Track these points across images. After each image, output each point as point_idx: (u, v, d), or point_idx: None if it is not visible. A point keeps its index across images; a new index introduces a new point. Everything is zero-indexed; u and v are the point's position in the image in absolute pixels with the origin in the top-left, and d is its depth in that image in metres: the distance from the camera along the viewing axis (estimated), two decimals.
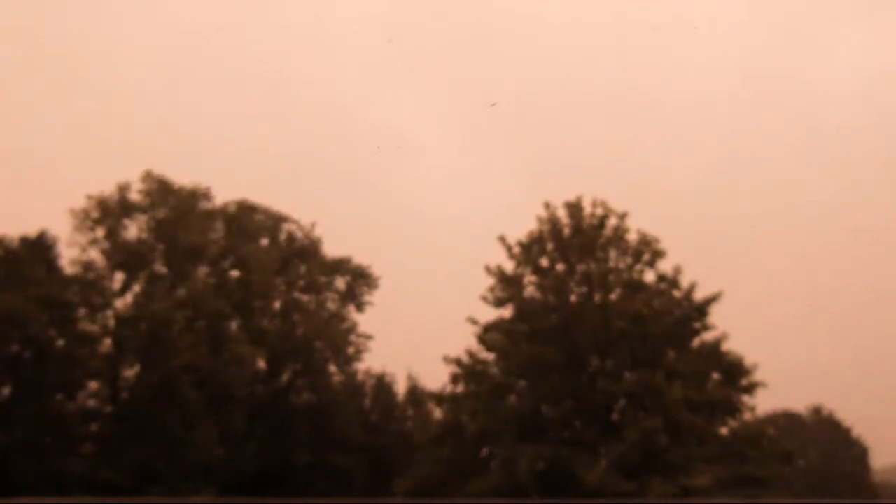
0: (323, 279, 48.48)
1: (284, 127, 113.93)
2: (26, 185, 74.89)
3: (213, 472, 37.61)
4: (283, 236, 48.09)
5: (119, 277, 40.41)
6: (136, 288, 40.56)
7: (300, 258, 47.97)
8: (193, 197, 43.34)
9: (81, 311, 38.42)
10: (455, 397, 33.03)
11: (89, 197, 40.64)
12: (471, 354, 33.06)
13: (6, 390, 35.88)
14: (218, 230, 44.55)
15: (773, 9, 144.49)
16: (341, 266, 48.76)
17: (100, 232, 40.29)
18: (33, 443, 33.93)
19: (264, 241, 47.24)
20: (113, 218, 40.53)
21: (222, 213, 45.19)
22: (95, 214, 40.34)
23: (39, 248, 38.39)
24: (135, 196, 41.60)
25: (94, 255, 39.93)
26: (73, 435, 37.13)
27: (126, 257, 40.19)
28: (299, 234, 48.36)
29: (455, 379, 33.16)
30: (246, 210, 46.44)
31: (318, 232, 48.68)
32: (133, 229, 41.36)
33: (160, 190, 41.91)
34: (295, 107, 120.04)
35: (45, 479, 32.98)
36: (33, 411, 34.79)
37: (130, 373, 39.74)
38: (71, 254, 39.48)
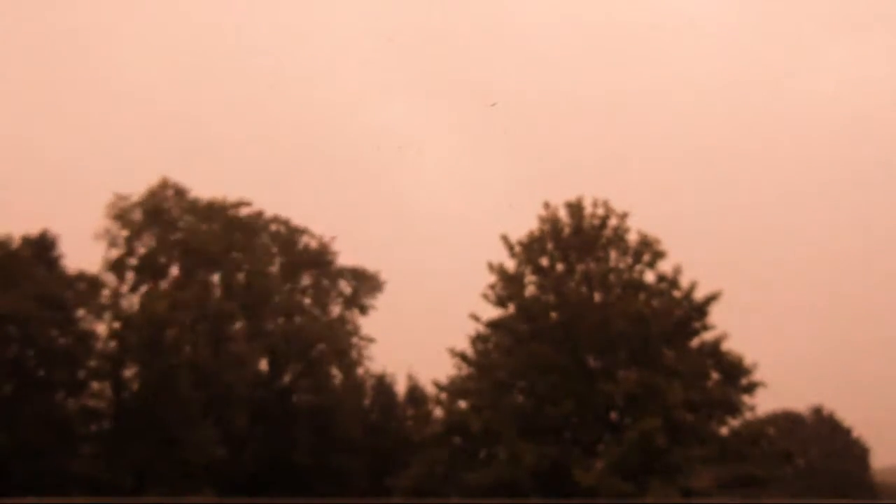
0: (328, 284, 48.67)
1: (284, 126, 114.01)
2: (27, 184, 74.99)
3: (213, 472, 37.64)
4: (296, 246, 48.31)
5: (130, 277, 40.92)
6: (144, 289, 41.00)
7: (310, 266, 48.24)
8: (212, 208, 44.18)
9: (83, 311, 38.52)
10: (460, 388, 32.94)
11: (118, 196, 41.50)
12: (475, 348, 33.13)
13: (7, 390, 35.89)
14: (228, 234, 44.85)
15: (767, 18, 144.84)
16: (349, 273, 48.99)
17: (123, 233, 41.10)
18: (34, 443, 33.91)
19: (275, 249, 47.66)
20: (136, 221, 41.30)
21: (233, 218, 45.57)
22: (126, 214, 41.21)
23: (41, 248, 38.47)
24: (156, 202, 42.52)
25: (113, 253, 40.82)
26: (73, 435, 37.14)
27: (140, 260, 40.86)
28: (316, 246, 48.59)
29: (459, 370, 33.25)
30: (255, 215, 46.91)
31: (335, 246, 49.00)
32: (150, 234, 42.15)
33: (178, 198, 42.81)
34: (295, 106, 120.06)
35: (45, 479, 33.00)
36: (34, 411, 34.79)
37: (132, 373, 39.83)
38: (97, 250, 40.34)
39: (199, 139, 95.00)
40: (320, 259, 48.30)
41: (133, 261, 41.12)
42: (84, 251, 40.91)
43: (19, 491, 28.87)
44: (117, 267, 40.40)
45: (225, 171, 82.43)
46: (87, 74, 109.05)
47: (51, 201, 70.46)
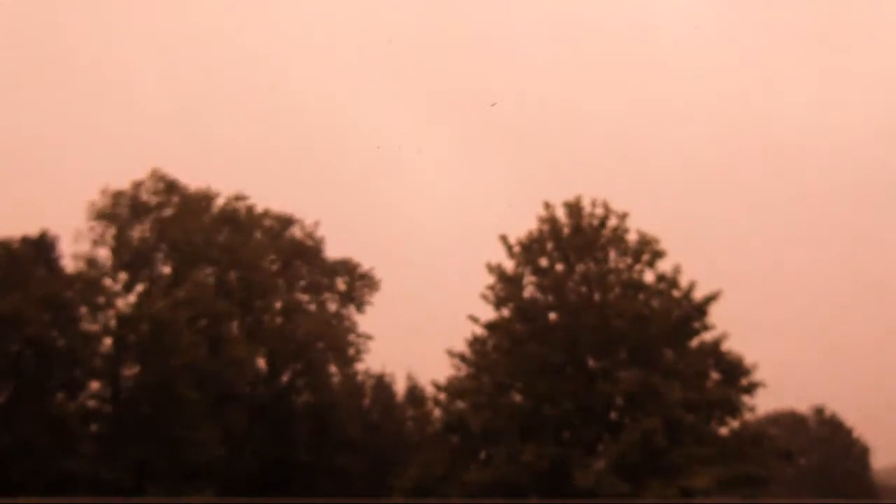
0: (324, 280, 48.48)
1: (284, 127, 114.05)
2: (26, 183, 75.01)
3: (213, 472, 37.61)
4: (286, 238, 48.06)
5: (122, 277, 40.57)
6: (139, 287, 40.68)
7: (302, 259, 47.99)
8: (198, 198, 43.64)
9: (82, 311, 38.43)
10: (459, 389, 32.87)
11: (104, 192, 41.01)
12: (474, 350, 33.09)
13: (7, 390, 35.87)
14: (220, 230, 44.51)
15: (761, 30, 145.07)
16: (342, 267, 48.79)
17: (110, 230, 40.60)
18: (33, 442, 33.93)
19: (266, 242, 47.25)
20: (123, 217, 40.86)
21: (225, 212, 45.22)
22: (108, 210, 40.69)
23: (40, 248, 38.43)
24: (143, 195, 41.95)
25: (102, 252, 40.34)
26: (73, 435, 37.10)
27: (131, 257, 40.43)
28: (301, 235, 48.34)
29: (458, 370, 33.21)
30: (248, 210, 46.55)
31: (319, 232, 48.72)
32: (139, 229, 41.62)
33: (167, 190, 42.27)
34: (295, 107, 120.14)
35: (45, 479, 33.00)
36: (34, 411, 34.79)
37: (131, 372, 39.73)
38: (78, 248, 39.80)
39: (198, 139, 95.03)
40: (309, 248, 48.04)
41: (123, 258, 40.32)
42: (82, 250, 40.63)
43: (19, 491, 28.91)
44: (94, 265, 39.53)
45: (223, 171, 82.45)
46: (84, 72, 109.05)
47: (49, 201, 70.44)
